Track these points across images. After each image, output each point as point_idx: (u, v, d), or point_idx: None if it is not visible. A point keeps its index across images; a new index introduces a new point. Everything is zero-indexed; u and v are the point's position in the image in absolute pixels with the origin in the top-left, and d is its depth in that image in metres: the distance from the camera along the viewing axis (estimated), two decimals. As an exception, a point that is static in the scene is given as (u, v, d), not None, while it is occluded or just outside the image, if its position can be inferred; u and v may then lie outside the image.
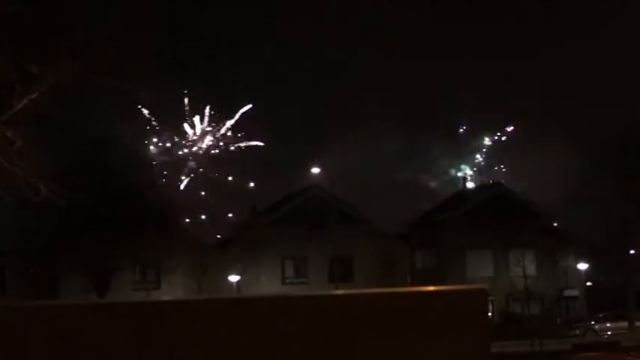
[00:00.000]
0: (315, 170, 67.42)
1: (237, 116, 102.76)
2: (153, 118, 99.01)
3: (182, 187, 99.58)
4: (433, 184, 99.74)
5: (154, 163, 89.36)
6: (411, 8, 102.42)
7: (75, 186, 51.42)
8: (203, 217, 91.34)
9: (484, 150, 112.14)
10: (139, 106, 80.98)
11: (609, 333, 63.55)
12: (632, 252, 59.73)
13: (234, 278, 62.79)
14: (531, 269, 67.50)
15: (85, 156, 57.34)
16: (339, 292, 5.18)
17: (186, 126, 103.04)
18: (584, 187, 59.04)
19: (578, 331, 64.43)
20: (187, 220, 73.22)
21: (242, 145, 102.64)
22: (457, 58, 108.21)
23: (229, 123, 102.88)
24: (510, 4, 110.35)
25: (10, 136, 21.80)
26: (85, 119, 47.09)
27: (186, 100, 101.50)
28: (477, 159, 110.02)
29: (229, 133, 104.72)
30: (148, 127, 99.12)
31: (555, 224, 68.49)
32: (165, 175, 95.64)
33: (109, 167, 57.02)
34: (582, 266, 68.77)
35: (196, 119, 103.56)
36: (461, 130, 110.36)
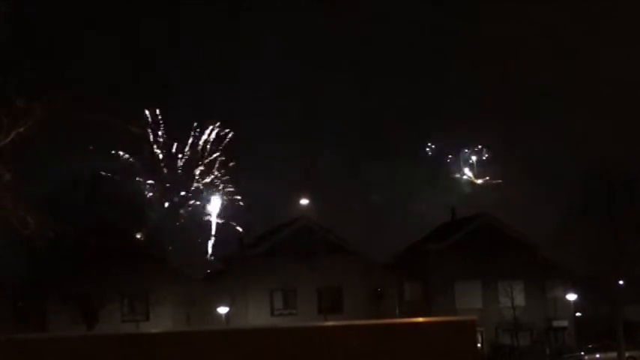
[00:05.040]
0: (304, 201, 67.27)
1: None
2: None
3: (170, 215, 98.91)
4: (421, 213, 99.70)
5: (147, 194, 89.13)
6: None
7: (63, 219, 51.51)
8: (191, 248, 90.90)
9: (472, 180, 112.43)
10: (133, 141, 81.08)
11: (599, 363, 63.47)
12: (620, 282, 59.72)
13: (223, 310, 62.57)
14: (520, 300, 67.53)
15: (74, 189, 57.22)
16: (328, 323, 5.19)
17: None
18: (572, 218, 59.07)
19: (567, 362, 64.35)
20: (176, 251, 72.89)
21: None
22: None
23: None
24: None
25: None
26: (73, 152, 46.95)
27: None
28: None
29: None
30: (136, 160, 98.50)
31: (543, 255, 68.45)
32: (155, 207, 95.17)
33: (98, 200, 56.87)
34: (571, 297, 68.66)
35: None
36: (448, 160, 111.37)
